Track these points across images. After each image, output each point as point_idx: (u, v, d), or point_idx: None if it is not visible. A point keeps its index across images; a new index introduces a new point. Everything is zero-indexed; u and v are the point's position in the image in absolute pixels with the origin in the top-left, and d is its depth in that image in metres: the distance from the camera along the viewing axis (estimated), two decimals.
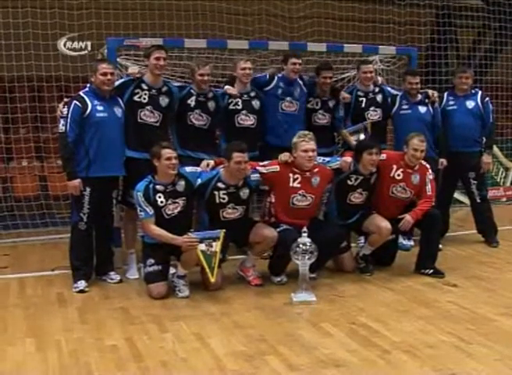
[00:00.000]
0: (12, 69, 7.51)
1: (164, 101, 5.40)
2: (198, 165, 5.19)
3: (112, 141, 5.11)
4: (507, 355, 3.68)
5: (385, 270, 5.55)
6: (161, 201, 4.90)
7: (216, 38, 7.79)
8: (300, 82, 6.06)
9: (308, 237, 4.72)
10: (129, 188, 5.24)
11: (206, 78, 5.57)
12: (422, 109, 6.26)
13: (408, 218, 5.31)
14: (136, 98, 5.30)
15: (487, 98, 6.58)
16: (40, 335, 4.10)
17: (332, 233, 5.20)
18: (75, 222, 5.13)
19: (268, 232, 5.09)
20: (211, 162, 5.19)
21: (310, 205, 5.25)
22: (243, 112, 5.78)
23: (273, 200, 5.25)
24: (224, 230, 4.84)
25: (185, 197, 4.98)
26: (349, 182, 5.40)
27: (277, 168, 5.17)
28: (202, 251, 4.76)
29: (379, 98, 6.30)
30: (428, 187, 5.45)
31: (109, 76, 5.06)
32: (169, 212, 4.93)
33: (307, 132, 5.25)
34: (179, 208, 4.96)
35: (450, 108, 6.46)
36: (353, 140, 6.05)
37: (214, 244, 4.79)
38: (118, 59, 5.80)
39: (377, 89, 6.33)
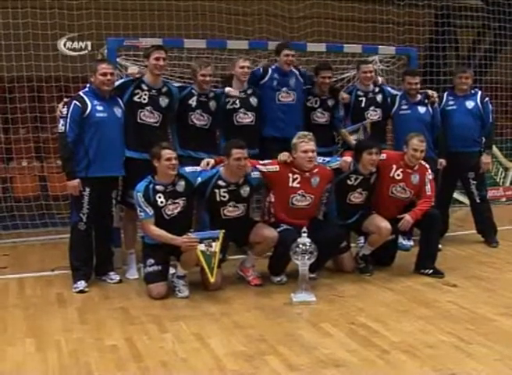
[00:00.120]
0: (11, 70, 7.50)
1: (164, 101, 5.40)
2: (198, 165, 5.19)
3: (112, 142, 5.10)
4: (507, 355, 3.68)
5: (384, 270, 5.55)
6: (161, 202, 4.90)
7: (216, 38, 7.77)
8: (296, 72, 6.06)
9: (308, 237, 4.72)
10: (128, 188, 5.23)
11: (208, 79, 5.57)
12: (422, 110, 6.25)
13: (408, 218, 5.30)
14: (136, 98, 5.30)
15: (487, 98, 6.57)
16: (39, 335, 4.10)
17: (331, 234, 5.20)
18: (74, 222, 5.13)
19: (269, 232, 5.09)
20: (211, 161, 5.18)
21: (309, 205, 5.25)
22: (241, 110, 5.79)
23: (273, 200, 5.26)
24: (223, 231, 4.84)
25: (185, 197, 4.99)
26: (349, 182, 5.40)
27: (277, 168, 5.17)
28: (202, 252, 4.76)
29: (379, 97, 6.29)
30: (428, 187, 5.46)
31: (109, 77, 5.06)
32: (169, 213, 4.93)
33: (306, 132, 5.24)
34: (179, 209, 4.96)
35: (450, 108, 6.46)
36: (352, 139, 6.06)
37: (213, 244, 4.79)
38: (118, 59, 5.80)
39: (377, 89, 6.32)
